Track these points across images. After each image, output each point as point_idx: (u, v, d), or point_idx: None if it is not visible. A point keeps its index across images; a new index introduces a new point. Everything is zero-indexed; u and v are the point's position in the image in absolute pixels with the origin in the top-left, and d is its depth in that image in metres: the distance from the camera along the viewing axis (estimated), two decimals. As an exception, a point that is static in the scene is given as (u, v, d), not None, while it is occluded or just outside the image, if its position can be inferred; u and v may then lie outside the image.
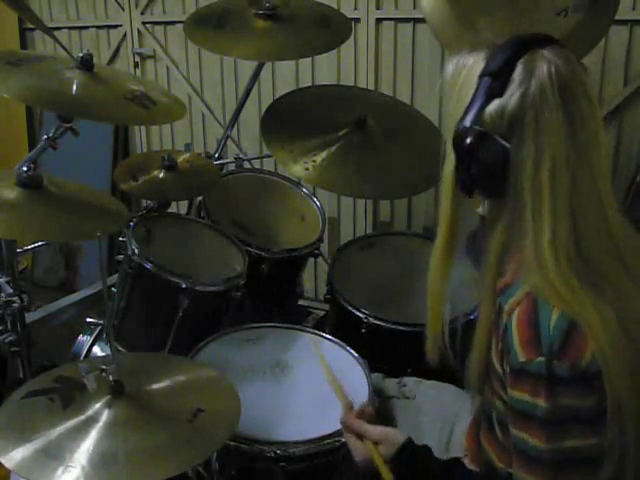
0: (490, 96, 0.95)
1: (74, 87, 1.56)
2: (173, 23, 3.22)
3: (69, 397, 1.17)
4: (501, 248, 1.01)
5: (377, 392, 1.48)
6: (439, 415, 1.38)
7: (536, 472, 0.93)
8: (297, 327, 1.73)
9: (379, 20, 2.70)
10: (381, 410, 1.42)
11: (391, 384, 1.52)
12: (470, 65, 0.99)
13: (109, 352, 1.82)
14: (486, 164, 0.96)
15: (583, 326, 0.90)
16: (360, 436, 1.20)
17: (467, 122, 0.96)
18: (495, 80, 0.95)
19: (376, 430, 1.19)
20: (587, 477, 0.92)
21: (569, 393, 0.89)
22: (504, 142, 0.95)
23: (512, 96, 0.94)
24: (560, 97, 0.94)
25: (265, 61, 2.35)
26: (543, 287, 0.93)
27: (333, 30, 2.08)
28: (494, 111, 0.95)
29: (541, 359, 0.89)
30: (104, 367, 1.16)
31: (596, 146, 0.96)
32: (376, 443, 1.16)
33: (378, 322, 1.73)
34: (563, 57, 0.96)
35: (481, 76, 0.96)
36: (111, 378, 1.15)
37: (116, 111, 1.61)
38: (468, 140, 0.96)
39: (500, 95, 0.95)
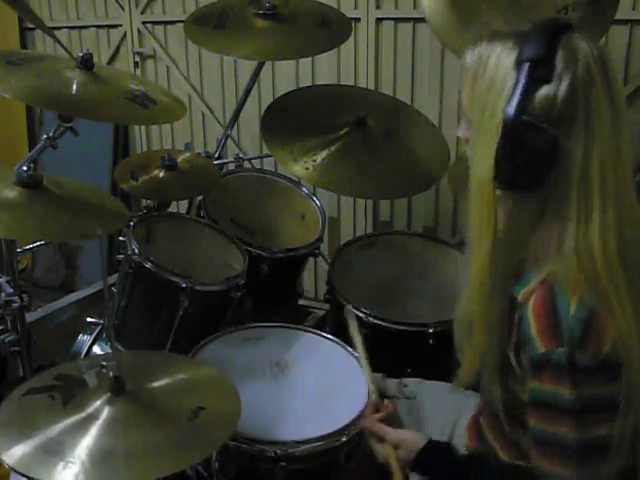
0: (536, 83, 0.92)
1: (74, 87, 1.56)
2: (173, 23, 3.22)
3: (69, 394, 1.18)
4: (523, 241, 0.99)
5: (379, 394, 1.48)
6: (440, 415, 1.38)
7: (561, 462, 0.92)
8: (297, 327, 1.73)
9: (379, 20, 2.70)
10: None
11: (392, 384, 1.52)
12: (498, 53, 0.96)
13: (109, 352, 1.82)
14: (535, 154, 0.93)
15: (604, 315, 0.89)
16: (381, 439, 1.20)
17: (513, 111, 0.92)
18: (538, 66, 0.92)
19: (394, 434, 1.18)
20: (606, 465, 0.92)
21: (592, 382, 0.89)
22: (553, 129, 0.91)
23: (562, 81, 0.91)
24: (604, 77, 0.93)
25: (265, 61, 2.35)
26: (577, 275, 0.91)
27: (333, 30, 2.08)
28: (545, 98, 0.92)
29: (562, 349, 0.89)
30: (104, 364, 1.16)
31: (625, 131, 0.95)
32: (396, 447, 1.17)
33: (378, 322, 1.73)
34: (591, 39, 0.95)
35: (519, 62, 0.93)
36: (111, 374, 1.15)
37: (116, 111, 1.61)
38: (518, 130, 0.92)
39: (548, 81, 0.92)
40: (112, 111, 1.61)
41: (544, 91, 0.92)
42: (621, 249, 0.93)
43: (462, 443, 1.28)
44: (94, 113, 1.58)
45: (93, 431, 1.09)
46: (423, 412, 1.42)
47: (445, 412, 1.37)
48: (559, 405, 0.90)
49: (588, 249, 0.92)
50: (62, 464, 1.03)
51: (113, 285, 1.85)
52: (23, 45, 3.71)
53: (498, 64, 0.95)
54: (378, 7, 2.70)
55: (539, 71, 0.92)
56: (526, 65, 0.92)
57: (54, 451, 1.05)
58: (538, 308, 0.92)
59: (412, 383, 1.51)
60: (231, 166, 2.33)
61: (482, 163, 0.96)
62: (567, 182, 0.93)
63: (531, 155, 0.93)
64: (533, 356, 0.92)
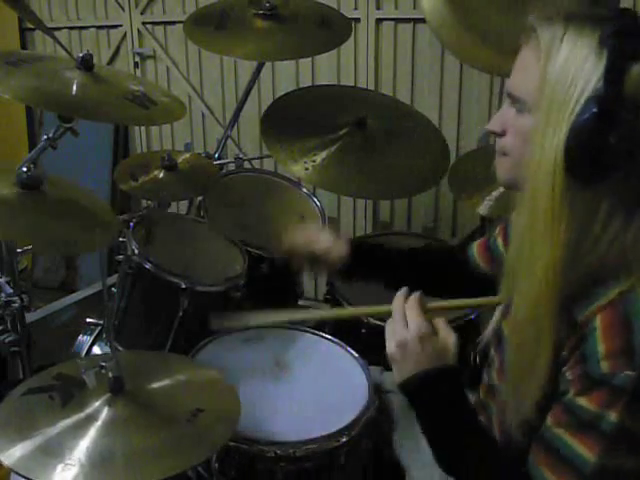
0: (627, 59, 0.84)
1: (74, 87, 1.56)
2: (173, 23, 3.22)
3: (69, 395, 1.17)
4: (593, 249, 0.89)
5: (376, 389, 1.48)
6: None
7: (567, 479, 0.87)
8: (297, 327, 1.73)
9: (379, 20, 2.71)
10: (379, 404, 1.43)
11: (389, 378, 1.51)
12: (577, 31, 0.87)
13: (109, 352, 1.82)
14: (628, 136, 0.83)
15: None
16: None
17: (606, 89, 0.83)
18: (627, 39, 0.84)
19: (444, 326, 1.04)
20: None
21: None
22: None
23: None
24: None
25: (265, 61, 2.35)
26: None
27: (333, 30, 2.08)
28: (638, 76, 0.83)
29: (629, 373, 0.83)
30: (104, 364, 1.16)
31: None
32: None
33: (378, 322, 1.72)
34: None
35: (605, 38, 0.84)
36: (110, 374, 1.15)
37: (116, 111, 1.61)
38: (612, 108, 0.83)
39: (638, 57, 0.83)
40: (112, 111, 1.61)
41: (637, 69, 0.84)
42: None
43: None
44: (94, 113, 1.58)
45: (92, 432, 1.09)
46: None
47: None
48: (599, 427, 0.85)
49: None
50: (61, 466, 1.02)
51: (113, 285, 1.84)
52: (23, 45, 3.71)
53: (577, 42, 0.86)
54: (378, 7, 2.70)
55: (629, 45, 0.84)
56: (611, 41, 0.84)
57: (53, 452, 1.04)
58: (610, 326, 0.85)
59: None
60: (231, 166, 2.33)
61: (548, 154, 0.86)
62: None
63: (625, 136, 0.83)
64: (591, 374, 0.85)
